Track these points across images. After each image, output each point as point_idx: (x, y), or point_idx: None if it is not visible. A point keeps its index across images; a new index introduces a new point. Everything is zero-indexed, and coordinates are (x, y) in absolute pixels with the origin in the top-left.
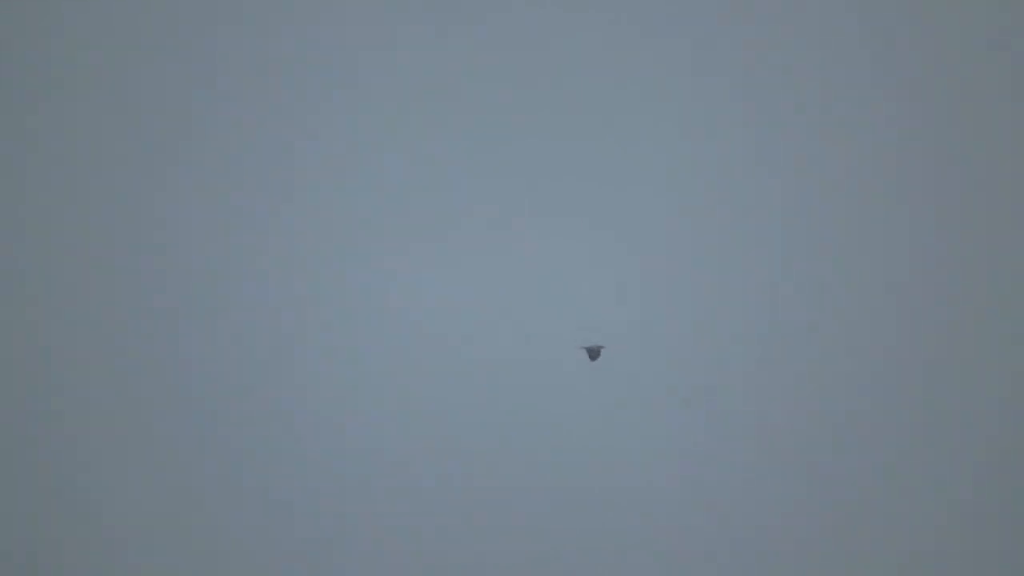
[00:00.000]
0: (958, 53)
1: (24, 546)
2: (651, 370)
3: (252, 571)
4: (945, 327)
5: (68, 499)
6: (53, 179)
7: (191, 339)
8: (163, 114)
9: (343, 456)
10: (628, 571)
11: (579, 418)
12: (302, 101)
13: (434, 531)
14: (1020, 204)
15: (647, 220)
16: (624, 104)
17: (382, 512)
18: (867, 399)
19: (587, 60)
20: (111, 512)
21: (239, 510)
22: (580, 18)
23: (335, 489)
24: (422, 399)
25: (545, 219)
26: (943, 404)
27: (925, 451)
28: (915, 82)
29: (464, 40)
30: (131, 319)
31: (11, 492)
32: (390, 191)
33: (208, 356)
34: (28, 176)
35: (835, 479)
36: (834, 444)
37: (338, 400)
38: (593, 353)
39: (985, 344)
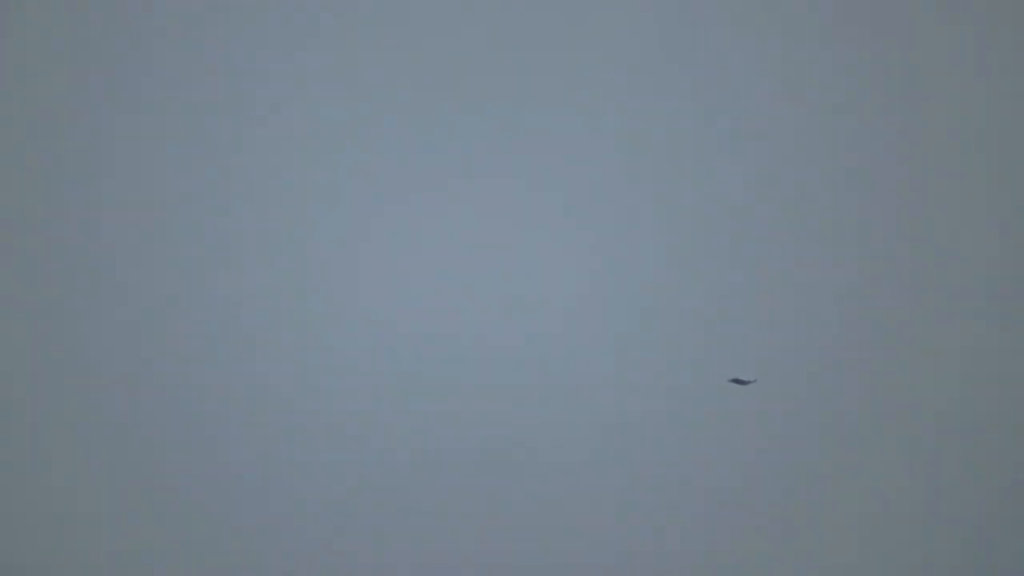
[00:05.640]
0: (955, 53)
1: (23, 548)
2: (647, 367)
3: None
4: (941, 325)
5: (67, 500)
6: (51, 177)
7: (188, 339)
8: (162, 109)
9: (340, 457)
10: (626, 570)
11: (577, 416)
12: (297, 103)
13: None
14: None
15: (641, 218)
16: (621, 105)
17: (380, 512)
18: (864, 393)
19: (583, 61)
20: (110, 513)
21: (243, 509)
22: (577, 19)
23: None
24: (417, 398)
25: (536, 217)
26: (941, 403)
27: (922, 449)
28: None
29: (460, 38)
30: (125, 318)
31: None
32: (384, 192)
33: (206, 353)
34: (26, 175)
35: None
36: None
37: (336, 399)
38: (741, 383)
39: (983, 344)
